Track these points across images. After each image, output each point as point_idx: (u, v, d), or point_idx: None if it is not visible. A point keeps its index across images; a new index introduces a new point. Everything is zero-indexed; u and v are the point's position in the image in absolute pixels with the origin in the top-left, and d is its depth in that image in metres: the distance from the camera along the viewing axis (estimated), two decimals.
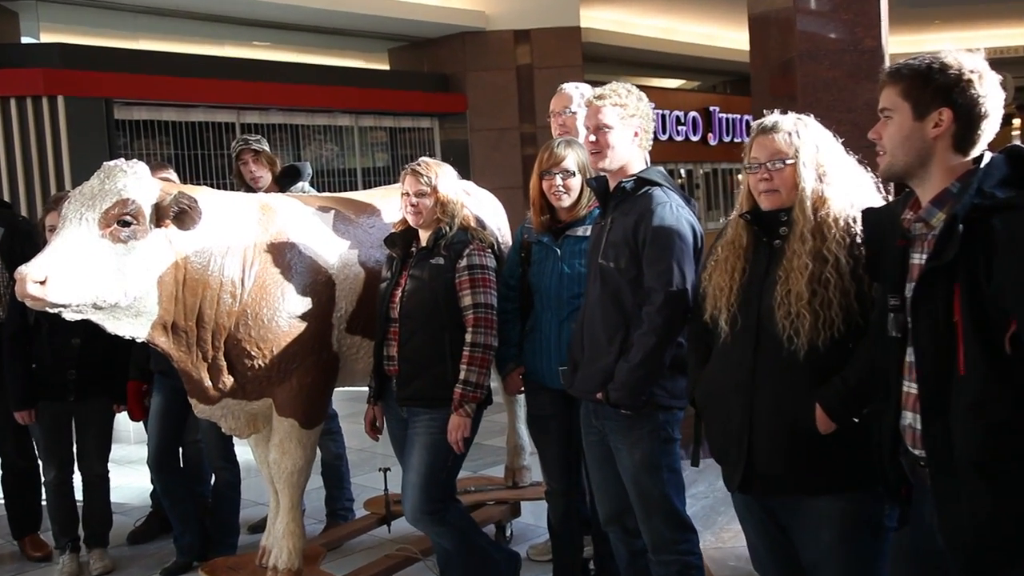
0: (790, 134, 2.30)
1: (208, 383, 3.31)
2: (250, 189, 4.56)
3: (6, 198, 7.59)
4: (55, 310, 2.85)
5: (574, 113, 3.67)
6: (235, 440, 4.12)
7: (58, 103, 8.10)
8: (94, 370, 4.06)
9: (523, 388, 3.41)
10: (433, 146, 11.22)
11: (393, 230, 3.40)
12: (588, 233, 3.18)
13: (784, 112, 2.37)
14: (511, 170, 10.54)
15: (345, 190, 10.24)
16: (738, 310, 2.30)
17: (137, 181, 3.01)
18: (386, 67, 11.84)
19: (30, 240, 4.28)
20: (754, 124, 2.38)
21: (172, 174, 4.27)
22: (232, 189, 4.38)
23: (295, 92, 9.84)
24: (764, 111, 2.40)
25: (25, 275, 2.72)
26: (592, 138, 2.88)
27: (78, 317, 2.94)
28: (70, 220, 2.90)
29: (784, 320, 2.19)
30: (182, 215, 3.03)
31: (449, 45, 11.13)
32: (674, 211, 2.75)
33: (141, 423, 4.34)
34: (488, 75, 10.92)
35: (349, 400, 4.70)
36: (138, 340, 3.14)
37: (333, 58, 11.54)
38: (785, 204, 2.28)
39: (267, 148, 4.59)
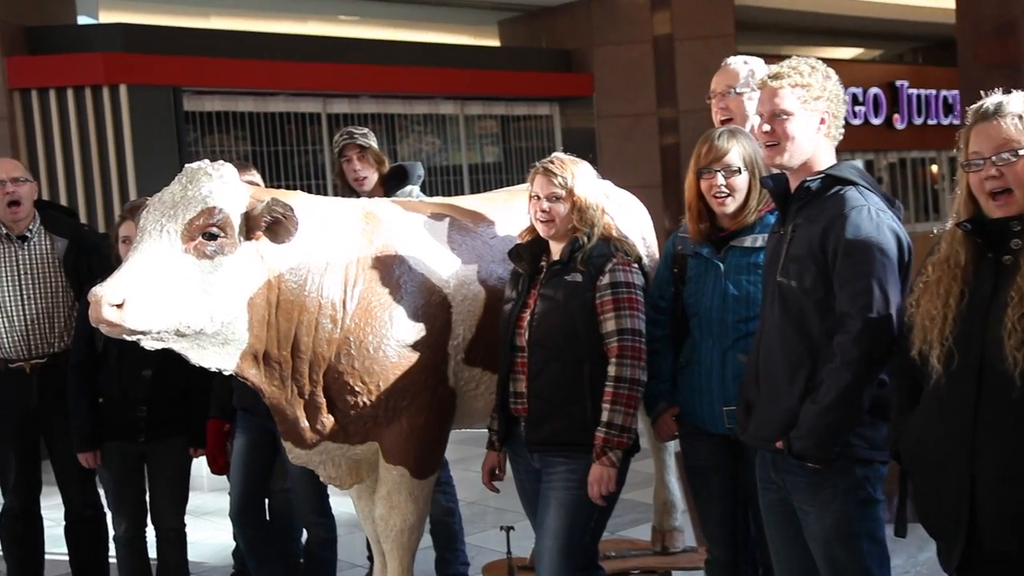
0: (1021, 117, 2.24)
1: (305, 423, 3.41)
2: (352, 191, 4.72)
3: (62, 201, 8.05)
4: (133, 337, 3.00)
5: (741, 94, 3.65)
6: (330, 490, 4.25)
7: (120, 93, 8.53)
8: (168, 406, 4.24)
9: (677, 433, 3.40)
10: (552, 137, 11.32)
11: (519, 241, 3.44)
12: (759, 244, 3.15)
13: (1007, 89, 2.31)
14: (647, 165, 10.52)
15: (449, 190, 10.60)
16: (955, 344, 2.26)
17: (224, 186, 3.14)
18: (496, 43, 12.00)
19: (97, 254, 4.54)
20: (971, 109, 2.33)
21: (256, 176, 4.46)
22: (319, 192, 4.53)
23: (389, 75, 10.09)
24: (981, 92, 2.34)
25: (100, 298, 2.87)
26: (766, 127, 2.87)
27: (158, 346, 3.08)
28: (149, 232, 3.05)
29: (1016, 353, 2.13)
30: (276, 226, 3.14)
31: (571, 15, 11.21)
32: (873, 217, 2.69)
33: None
34: (619, 50, 10.94)
35: (458, 443, 4.77)
36: (225, 372, 3.27)
37: (433, 34, 11.79)
38: (1021, 209, 2.22)
39: (375, 144, 4.73)
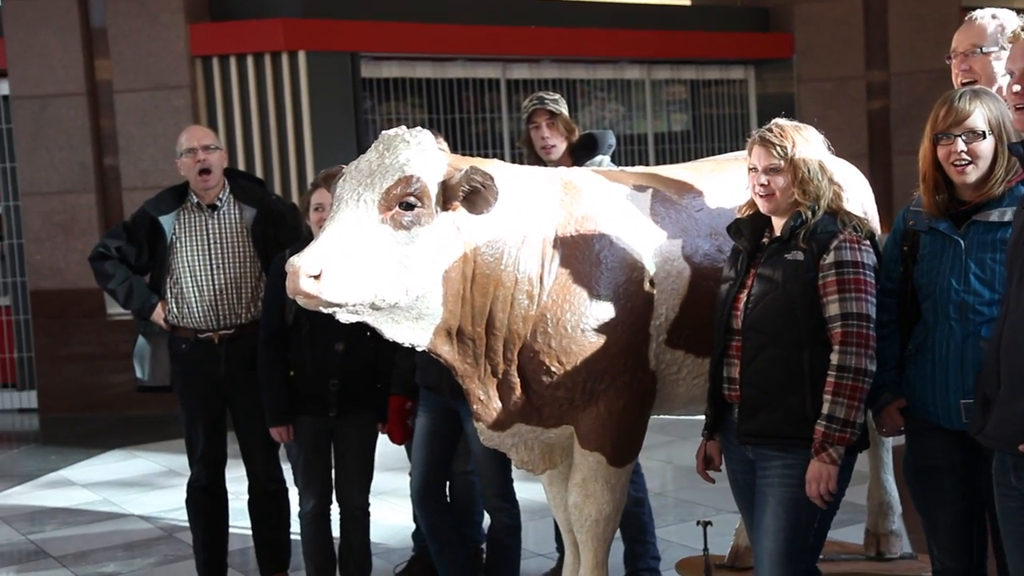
0: None
1: (498, 404, 3.45)
2: (538, 160, 4.73)
3: (238, 166, 8.39)
4: (329, 310, 3.08)
5: (988, 54, 3.46)
6: (513, 474, 4.27)
7: (299, 60, 8.82)
8: (358, 381, 4.35)
9: (903, 427, 3.27)
10: (747, 103, 11.08)
11: (737, 215, 3.37)
12: (1007, 218, 2.98)
13: None
14: (852, 134, 10.17)
15: (632, 161, 10.50)
16: None
17: (422, 154, 3.19)
18: (686, 2, 11.81)
19: (284, 224, 4.71)
20: None
21: (444, 145, 4.50)
22: (501, 160, 4.55)
23: (571, 38, 10.07)
24: None
25: (298, 268, 2.95)
26: (1017, 87, 2.73)
27: (353, 319, 3.16)
28: (345, 201, 3.12)
29: None
30: (474, 196, 3.17)
31: None
32: None
33: (395, 446, 4.60)
34: (823, 6, 10.57)
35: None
36: (418, 348, 3.33)
37: None
38: None
39: (566, 111, 4.73)
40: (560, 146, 4.70)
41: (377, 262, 3.04)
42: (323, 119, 8.85)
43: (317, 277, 2.95)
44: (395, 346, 3.51)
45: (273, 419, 4.38)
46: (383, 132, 3.28)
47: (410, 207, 3.09)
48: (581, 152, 4.73)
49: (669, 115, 11.10)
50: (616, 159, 5.15)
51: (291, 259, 2.98)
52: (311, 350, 4.29)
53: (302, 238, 4.37)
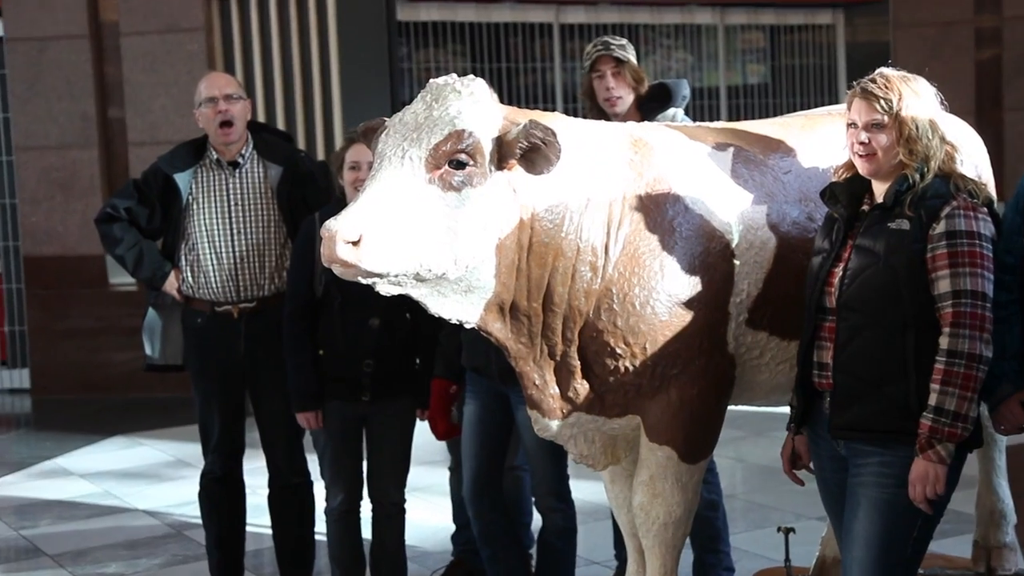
0: None
1: (555, 390, 3.47)
2: (601, 114, 4.72)
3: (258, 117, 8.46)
4: (369, 280, 3.10)
5: None
6: (570, 470, 4.30)
7: (327, 0, 8.85)
8: (395, 361, 4.39)
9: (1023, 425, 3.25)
10: (835, 52, 10.99)
11: (834, 178, 3.34)
12: None
13: None
14: (958, 87, 9.97)
15: (703, 119, 10.45)
16: None
17: (475, 106, 3.21)
18: None
19: (313, 184, 4.74)
20: None
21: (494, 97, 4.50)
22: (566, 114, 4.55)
23: None
24: None
25: (335, 233, 2.98)
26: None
27: (394, 291, 3.18)
28: (388, 159, 3.14)
29: None
30: (533, 154, 3.18)
31: None
32: None
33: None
34: None
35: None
36: (467, 325, 3.35)
37: None
38: None
39: (634, 58, 4.72)
40: (627, 98, 4.69)
41: (423, 227, 3.06)
42: (353, 67, 8.87)
43: (356, 243, 2.97)
44: (438, 323, 3.53)
45: (300, 403, 4.41)
46: (431, 81, 3.30)
47: (461, 165, 3.12)
48: (651, 105, 4.72)
49: (744, 66, 11.06)
50: (689, 114, 5.14)
51: (327, 223, 3.00)
52: (343, 326, 4.33)
53: (333, 200, 4.41)
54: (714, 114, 10.58)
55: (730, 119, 10.35)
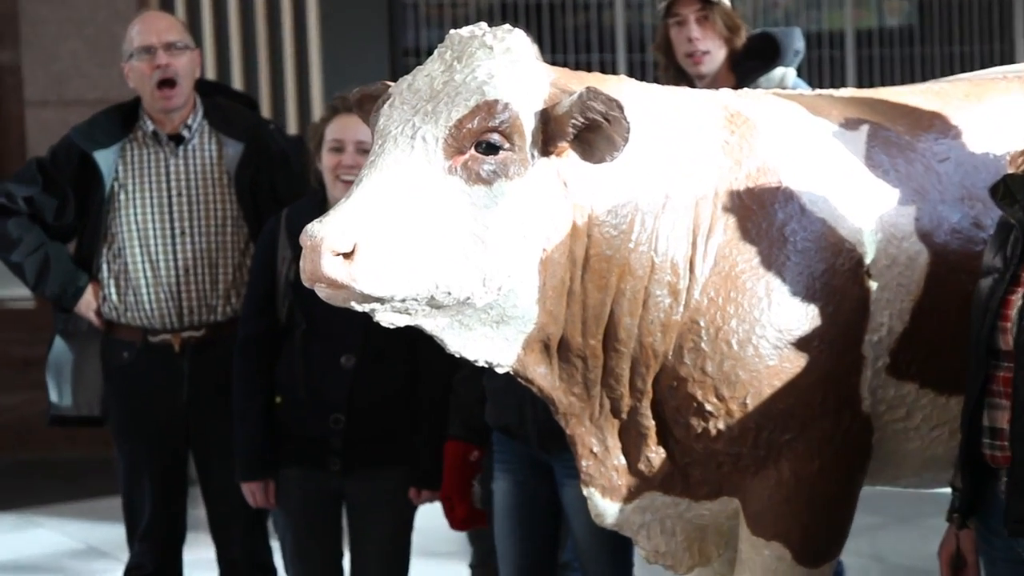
0: None
1: (620, 460, 3.51)
2: (681, 76, 4.78)
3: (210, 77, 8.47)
4: (366, 307, 3.14)
5: None
6: (638, 568, 4.34)
7: None
8: (377, 417, 4.42)
9: None
10: None
11: (1009, 170, 3.37)
12: None
13: None
14: None
15: (823, 75, 10.41)
16: None
17: (511, 67, 3.24)
18: None
19: (286, 168, 4.81)
20: None
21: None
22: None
23: None
24: None
25: (319, 241, 2.99)
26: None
27: (401, 322, 3.21)
28: (393, 139, 3.17)
29: None
30: (593, 134, 3.19)
31: None
32: None
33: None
34: None
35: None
36: (498, 368, 3.38)
37: None
38: None
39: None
40: (717, 54, 4.75)
41: (441, 234, 3.08)
42: (337, 3, 8.93)
43: (349, 255, 2.99)
44: (453, 362, 3.59)
45: (245, 470, 4.50)
46: (452, 33, 3.31)
47: (493, 150, 3.13)
48: (751, 63, 4.79)
49: (880, 2, 11.03)
50: (804, 74, 5.17)
51: (310, 227, 3.02)
52: (306, 365, 4.40)
53: (309, 192, 4.51)
54: (837, 73, 10.52)
55: (860, 79, 10.31)
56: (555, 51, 9.71)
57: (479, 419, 4.36)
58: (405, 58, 9.32)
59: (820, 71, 10.29)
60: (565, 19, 10.04)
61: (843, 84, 10.33)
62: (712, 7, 4.72)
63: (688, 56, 4.76)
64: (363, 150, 4.45)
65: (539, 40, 9.46)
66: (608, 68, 9.24)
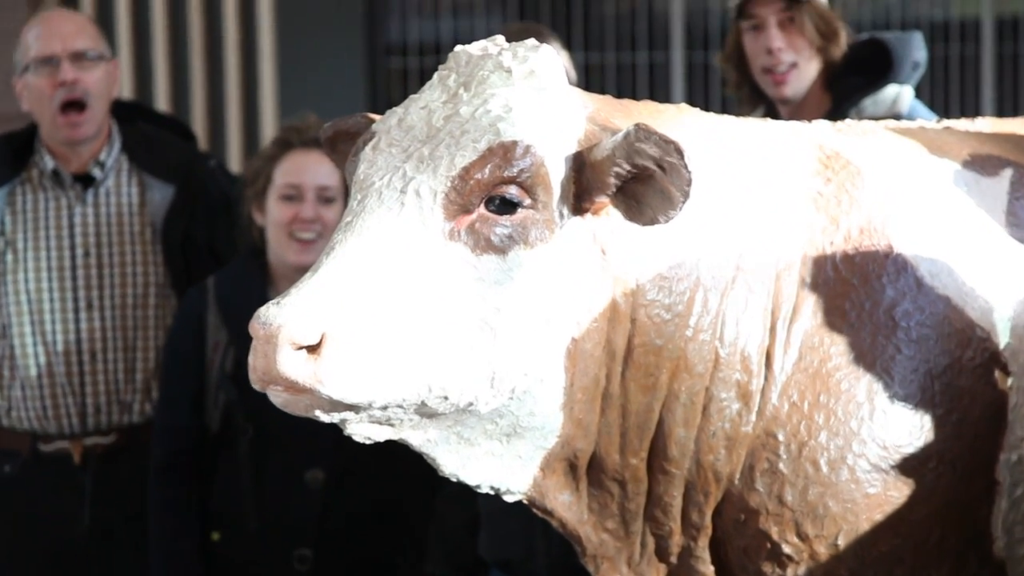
0: None
1: None
2: (758, 96, 4.83)
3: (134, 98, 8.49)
4: (335, 416, 3.07)
5: None
6: None
7: None
8: (356, 549, 4.44)
9: None
10: None
11: None
12: None
13: None
14: None
15: (954, 85, 10.39)
16: None
17: (535, 96, 3.19)
18: None
19: (228, 219, 4.79)
20: None
21: (562, 55, 4.55)
22: (658, 96, 4.55)
23: None
24: None
25: (276, 331, 2.93)
26: None
27: (382, 436, 3.16)
28: (377, 192, 3.12)
29: None
30: (643, 186, 3.14)
31: None
32: None
33: None
34: None
35: None
36: (509, 497, 3.32)
37: None
38: None
39: None
40: (806, 68, 4.76)
41: (437, 320, 3.04)
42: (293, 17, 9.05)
43: (314, 349, 2.94)
44: (433, 481, 3.58)
45: None
46: (457, 49, 3.27)
47: (510, 207, 3.09)
48: (853, 79, 4.78)
49: None
50: (926, 94, 5.14)
51: (263, 312, 2.96)
52: (256, 485, 4.41)
53: (244, 253, 4.53)
54: (969, 75, 10.56)
55: (1000, 83, 10.41)
56: (589, 48, 9.71)
57: (467, 552, 4.35)
58: (388, 58, 9.35)
59: (947, 74, 10.31)
60: (604, 7, 10.08)
61: (978, 89, 10.43)
62: (800, 6, 4.70)
63: (767, 72, 4.76)
64: (326, 199, 4.45)
65: (569, 35, 9.60)
66: (660, 71, 9.30)
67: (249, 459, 4.38)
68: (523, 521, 3.63)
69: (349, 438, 3.33)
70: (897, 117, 4.56)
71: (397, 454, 3.36)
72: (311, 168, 4.19)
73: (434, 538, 4.41)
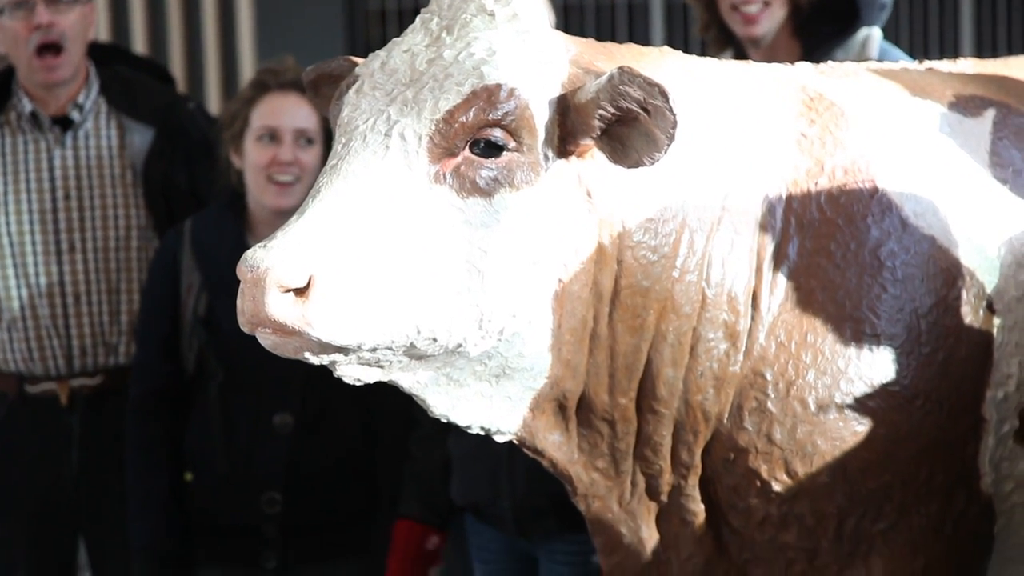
0: None
1: (652, 551, 3.48)
2: (725, 38, 4.83)
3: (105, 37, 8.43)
4: (324, 358, 3.08)
5: None
6: None
7: None
8: (327, 494, 4.45)
9: None
10: None
11: None
12: None
13: None
14: None
15: (931, 37, 10.31)
16: None
17: (519, 39, 3.19)
18: None
19: (209, 161, 4.76)
20: None
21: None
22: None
23: None
24: None
25: (264, 274, 2.92)
26: None
27: (371, 378, 3.17)
28: (362, 136, 3.12)
29: None
30: (628, 128, 3.14)
31: None
32: None
33: None
34: None
35: None
36: (500, 437, 3.34)
37: None
38: None
39: None
40: (776, 10, 4.72)
41: (424, 262, 3.05)
42: None
43: (302, 292, 2.94)
44: (404, 418, 3.62)
45: (146, 572, 4.52)
46: None
47: (495, 150, 3.09)
48: (820, 23, 4.76)
49: None
50: (905, 34, 5.12)
51: (250, 255, 2.95)
52: (225, 429, 4.41)
53: (225, 195, 4.54)
54: (948, 18, 10.55)
55: (979, 38, 10.41)
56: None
57: (441, 495, 4.36)
58: (367, 27, 9.34)
59: (926, 11, 10.29)
60: None
61: (956, 27, 10.39)
62: None
63: (735, 9, 4.70)
64: (307, 139, 4.44)
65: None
66: (639, 11, 9.31)
67: (219, 402, 4.39)
68: (489, 464, 3.64)
69: (319, 382, 3.39)
70: (867, 60, 4.55)
71: (367, 399, 3.36)
72: (289, 110, 4.20)
73: (408, 479, 4.38)
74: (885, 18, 4.80)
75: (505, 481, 3.89)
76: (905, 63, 4.17)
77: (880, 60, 4.61)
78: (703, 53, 3.94)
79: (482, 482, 4.12)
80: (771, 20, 4.71)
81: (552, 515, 3.75)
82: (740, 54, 4.91)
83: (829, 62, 3.95)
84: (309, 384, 3.50)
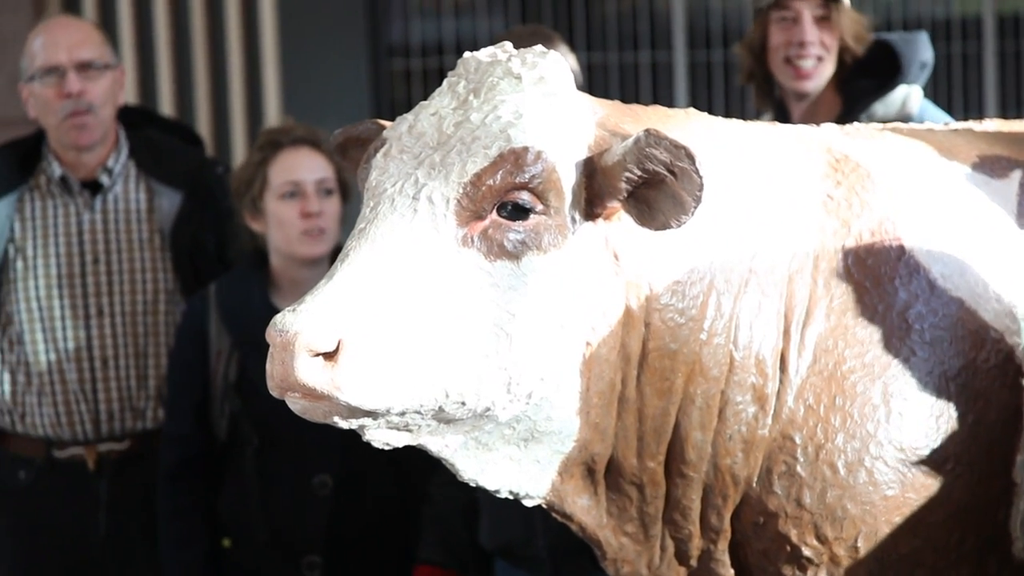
0: None
1: None
2: (768, 89, 4.82)
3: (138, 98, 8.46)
4: (353, 423, 3.07)
5: None
6: None
7: None
8: (366, 555, 4.45)
9: None
10: None
11: None
12: None
13: None
14: None
15: (957, 93, 10.34)
16: None
17: (546, 102, 3.19)
18: None
19: (231, 225, 4.76)
20: None
21: (570, 59, 4.54)
22: (664, 100, 4.50)
23: None
24: None
25: (293, 338, 2.92)
26: None
27: (400, 442, 3.16)
28: (389, 199, 3.12)
29: None
30: (655, 191, 3.13)
31: None
32: None
33: None
34: None
35: None
36: (529, 501, 3.33)
37: None
38: None
39: None
40: (827, 67, 4.75)
41: (452, 326, 3.03)
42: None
43: (331, 356, 2.94)
44: (427, 466, 3.59)
45: None
46: (466, 56, 3.28)
47: (522, 213, 3.09)
48: (862, 81, 4.77)
49: None
50: (928, 93, 5.10)
51: (279, 319, 2.95)
52: (264, 493, 4.40)
53: (244, 257, 4.55)
54: (972, 73, 10.54)
55: (1003, 81, 10.34)
56: (592, 48, 9.66)
57: (462, 538, 4.37)
58: (390, 59, 9.33)
59: (949, 72, 10.27)
60: (605, 6, 10.04)
61: (980, 87, 10.38)
62: (837, 5, 4.69)
63: (789, 63, 4.73)
64: (326, 190, 4.46)
65: (571, 34, 9.57)
66: (663, 71, 9.28)
67: (256, 467, 4.38)
68: (521, 505, 3.60)
69: (356, 443, 3.35)
70: (907, 118, 4.58)
71: (404, 457, 3.35)
72: (306, 163, 4.23)
73: (427, 523, 4.38)
74: (926, 77, 4.80)
75: (539, 519, 3.88)
76: (931, 124, 4.15)
77: (921, 118, 4.61)
78: (728, 113, 3.94)
79: (515, 522, 4.13)
80: (822, 76, 4.75)
81: (588, 552, 3.73)
82: (780, 112, 4.93)
83: (855, 123, 3.93)
84: (347, 444, 3.47)
